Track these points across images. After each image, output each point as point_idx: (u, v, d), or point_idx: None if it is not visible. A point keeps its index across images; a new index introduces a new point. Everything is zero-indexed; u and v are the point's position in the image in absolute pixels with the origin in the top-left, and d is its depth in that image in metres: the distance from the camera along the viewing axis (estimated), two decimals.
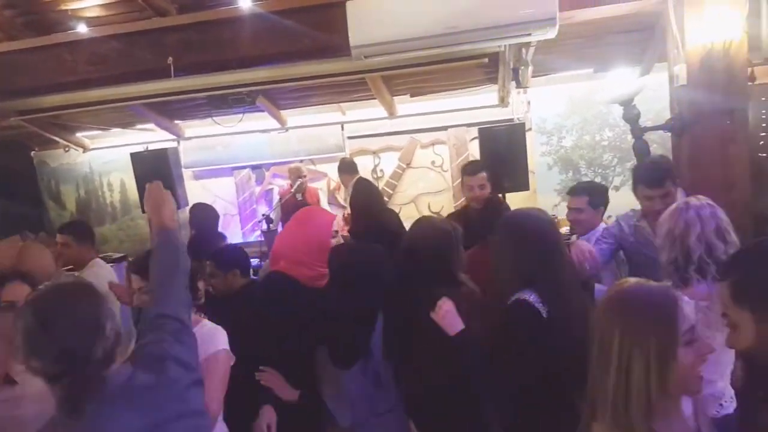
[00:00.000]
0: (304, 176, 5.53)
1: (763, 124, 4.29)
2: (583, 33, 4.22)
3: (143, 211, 5.20)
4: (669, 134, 3.59)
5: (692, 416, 1.29)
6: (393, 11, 3.47)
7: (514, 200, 4.32)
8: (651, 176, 2.48)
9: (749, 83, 3.29)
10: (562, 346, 1.65)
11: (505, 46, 3.80)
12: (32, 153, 6.51)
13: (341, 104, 5.69)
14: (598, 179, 5.30)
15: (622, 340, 1.09)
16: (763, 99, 4.21)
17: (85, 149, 6.27)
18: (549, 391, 1.72)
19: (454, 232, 2.10)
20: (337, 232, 2.49)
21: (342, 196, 5.77)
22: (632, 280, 1.20)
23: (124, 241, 6.41)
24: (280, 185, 6.19)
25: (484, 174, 3.35)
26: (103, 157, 6.38)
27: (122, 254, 5.42)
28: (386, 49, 3.56)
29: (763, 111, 4.28)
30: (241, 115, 4.96)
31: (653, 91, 4.35)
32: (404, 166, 5.84)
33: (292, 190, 5.48)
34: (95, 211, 6.50)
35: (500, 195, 4.18)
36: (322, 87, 5.05)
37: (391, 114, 5.51)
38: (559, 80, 5.28)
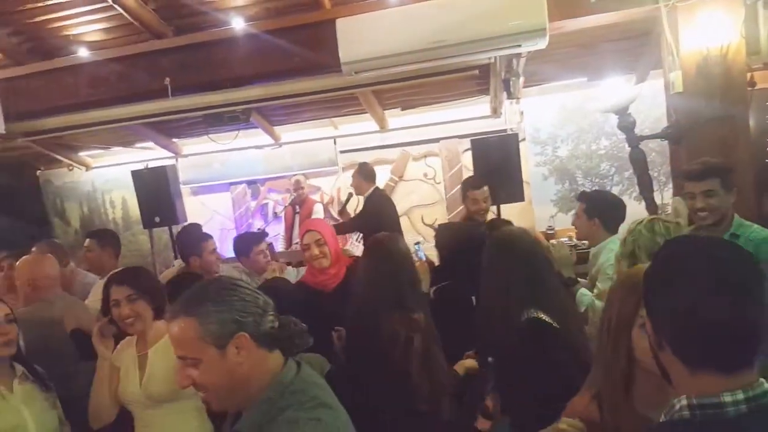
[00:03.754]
0: (303, 189, 5.73)
1: None
2: (575, 42, 4.28)
3: (144, 227, 5.40)
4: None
5: None
6: (381, 27, 3.57)
7: (511, 212, 4.40)
8: (692, 170, 2.37)
9: (749, 88, 3.22)
10: (571, 353, 1.79)
11: (495, 57, 3.86)
12: (38, 172, 6.71)
13: (333, 119, 5.84)
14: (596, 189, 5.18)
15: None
16: (766, 104, 4.05)
17: (88, 168, 6.46)
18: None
19: None
20: None
21: (335, 209, 5.89)
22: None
23: (126, 256, 6.53)
24: (275, 200, 6.35)
25: (486, 187, 3.61)
26: (104, 176, 6.57)
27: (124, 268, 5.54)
28: (376, 65, 3.68)
29: (767, 117, 4.15)
30: (236, 132, 5.13)
31: (651, 99, 4.36)
32: (396, 179, 5.97)
33: (292, 203, 5.61)
34: (98, 228, 6.66)
35: (495, 206, 4.31)
36: (313, 103, 5.20)
37: (383, 128, 5.66)
38: (552, 90, 5.34)
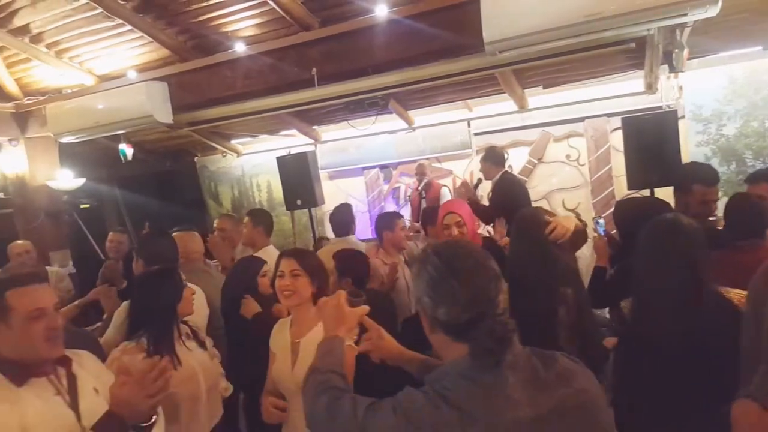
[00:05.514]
0: (426, 174, 5.72)
1: None
2: (750, 7, 3.83)
3: (287, 209, 5.73)
4: None
5: None
6: (528, 3, 3.37)
7: (666, 196, 4.02)
8: None
9: None
10: None
11: (655, 28, 3.50)
12: (195, 159, 7.41)
13: (467, 101, 5.73)
14: None
15: None
16: None
17: (239, 154, 7.01)
18: None
19: None
20: None
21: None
22: None
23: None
24: (406, 183, 6.41)
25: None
26: (252, 161, 7.08)
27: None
28: (522, 42, 3.49)
29: None
30: (374, 118, 5.23)
31: None
32: (535, 161, 5.71)
33: (420, 188, 5.67)
34: (246, 209, 7.22)
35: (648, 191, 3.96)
36: (449, 85, 5.09)
37: (522, 107, 5.41)
38: (717, 61, 4.79)
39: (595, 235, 2.93)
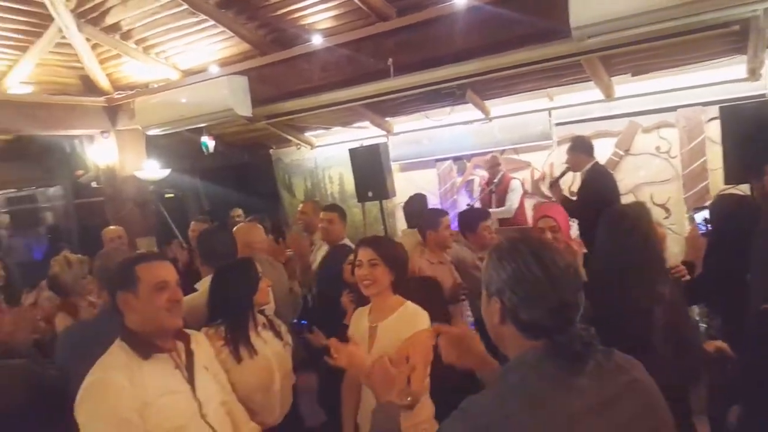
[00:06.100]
0: (500, 166, 5.53)
1: None
2: None
3: (358, 201, 5.74)
4: None
5: None
6: None
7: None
8: None
9: None
10: None
11: (761, 9, 3.18)
12: (270, 151, 7.58)
13: (548, 90, 5.49)
14: None
15: None
16: None
17: (312, 146, 7.09)
18: None
19: None
20: None
21: (546, 186, 5.56)
22: None
23: None
24: (481, 176, 6.24)
25: None
26: (324, 154, 7.14)
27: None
28: (612, 27, 3.28)
29: None
30: (449, 108, 5.10)
31: None
32: (621, 153, 5.38)
33: (493, 182, 5.50)
34: (319, 200, 7.32)
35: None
36: (529, 74, 4.89)
37: (608, 96, 5.11)
38: None
39: (690, 227, 2.78)
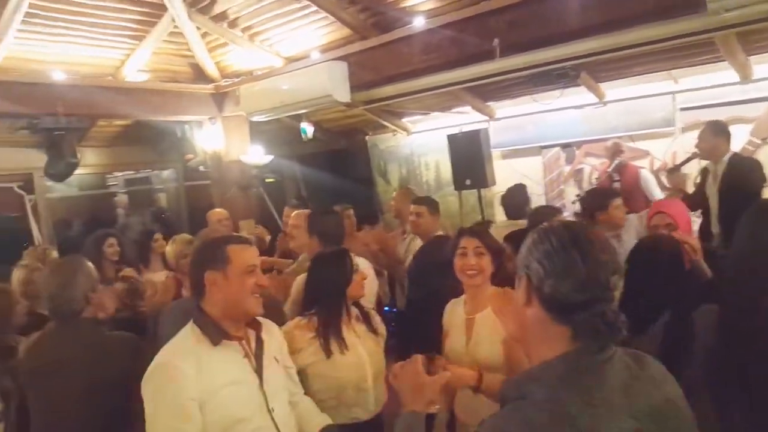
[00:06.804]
0: (622, 152, 5.03)
1: None
2: None
3: (455, 189, 5.54)
4: None
5: None
6: None
7: None
8: None
9: None
10: None
11: None
12: (366, 137, 7.55)
13: (671, 71, 4.94)
14: None
15: None
16: None
17: (409, 132, 6.97)
18: None
19: None
20: None
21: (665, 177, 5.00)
22: None
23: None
24: (592, 165, 5.77)
25: None
26: (420, 140, 6.99)
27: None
28: None
29: None
30: (559, 92, 4.74)
31: None
32: (758, 141, 4.72)
33: (609, 170, 5.05)
34: (413, 188, 7.21)
35: None
36: (654, 53, 4.41)
37: (745, 78, 4.50)
38: None
39: None
